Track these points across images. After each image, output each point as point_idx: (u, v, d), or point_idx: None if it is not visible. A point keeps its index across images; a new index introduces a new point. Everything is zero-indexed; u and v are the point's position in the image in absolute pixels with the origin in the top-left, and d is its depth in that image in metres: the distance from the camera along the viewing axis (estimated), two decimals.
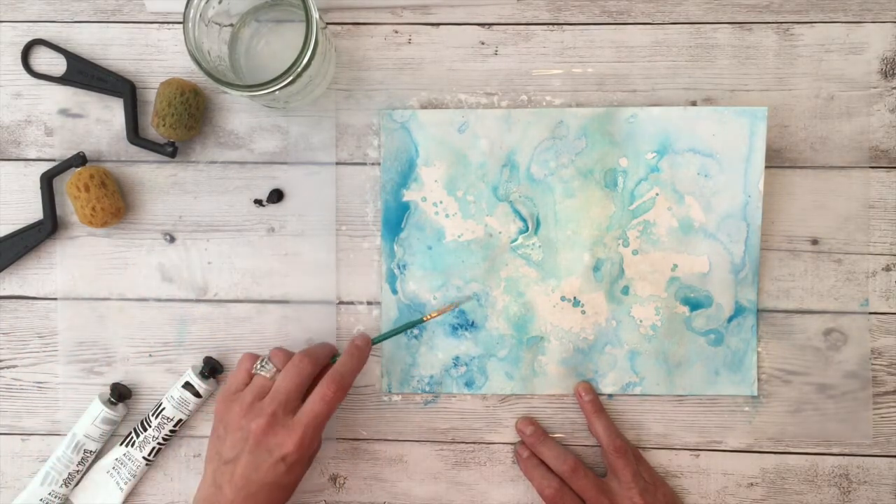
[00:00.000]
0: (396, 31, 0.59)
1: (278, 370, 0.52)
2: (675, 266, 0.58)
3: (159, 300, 0.59)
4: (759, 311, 0.58)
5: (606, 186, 0.58)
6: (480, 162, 0.58)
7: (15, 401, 0.60)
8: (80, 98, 0.59)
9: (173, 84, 0.55)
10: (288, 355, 0.53)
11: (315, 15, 0.49)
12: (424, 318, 0.56)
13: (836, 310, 0.58)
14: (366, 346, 0.54)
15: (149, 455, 0.58)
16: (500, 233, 0.58)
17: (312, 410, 0.50)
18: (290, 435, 0.49)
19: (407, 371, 0.59)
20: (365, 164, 0.59)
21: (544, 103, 0.58)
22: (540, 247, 0.58)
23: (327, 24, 0.58)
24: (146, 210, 0.59)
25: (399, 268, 0.58)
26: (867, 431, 0.58)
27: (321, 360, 0.53)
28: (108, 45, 0.59)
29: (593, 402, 0.58)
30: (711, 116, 0.57)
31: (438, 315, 0.57)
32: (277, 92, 0.50)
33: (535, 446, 0.57)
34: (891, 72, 0.57)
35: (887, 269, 0.58)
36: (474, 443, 0.59)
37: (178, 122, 0.55)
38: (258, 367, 0.52)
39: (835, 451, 0.58)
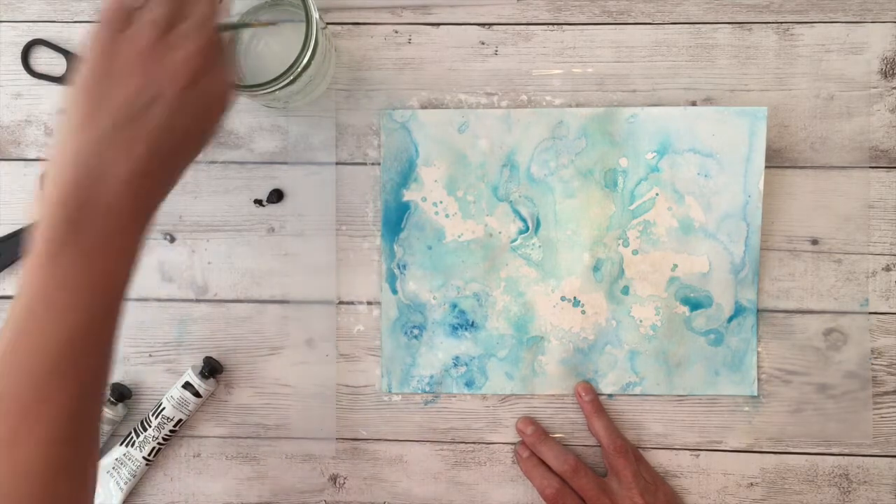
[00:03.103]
0: (396, 31, 0.59)
1: None
2: (675, 266, 0.58)
3: (159, 300, 0.59)
4: (759, 311, 0.58)
5: (606, 186, 0.58)
6: (480, 162, 0.58)
7: None
8: None
9: None
10: None
11: (315, 15, 0.49)
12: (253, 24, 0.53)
13: (836, 310, 0.58)
14: None
15: (149, 455, 0.58)
16: (500, 233, 0.58)
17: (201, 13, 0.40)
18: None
19: (407, 371, 0.59)
20: (365, 164, 0.59)
21: (544, 103, 0.58)
22: (540, 247, 0.58)
23: (327, 24, 0.58)
24: None
25: (399, 268, 0.58)
26: (867, 431, 0.58)
27: None
28: None
29: (593, 402, 0.58)
30: (711, 116, 0.57)
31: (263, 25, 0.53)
32: (277, 92, 0.50)
33: (535, 446, 0.57)
34: (891, 72, 0.57)
35: (887, 269, 0.58)
36: (474, 443, 0.59)
37: None
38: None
39: (835, 451, 0.58)
